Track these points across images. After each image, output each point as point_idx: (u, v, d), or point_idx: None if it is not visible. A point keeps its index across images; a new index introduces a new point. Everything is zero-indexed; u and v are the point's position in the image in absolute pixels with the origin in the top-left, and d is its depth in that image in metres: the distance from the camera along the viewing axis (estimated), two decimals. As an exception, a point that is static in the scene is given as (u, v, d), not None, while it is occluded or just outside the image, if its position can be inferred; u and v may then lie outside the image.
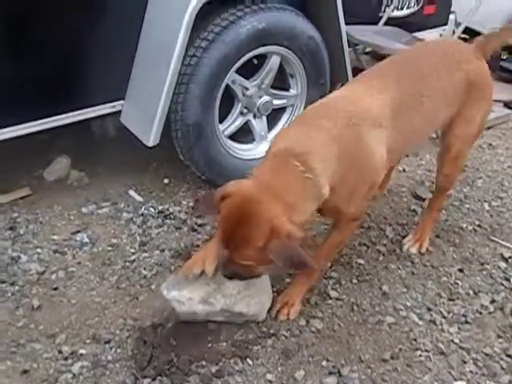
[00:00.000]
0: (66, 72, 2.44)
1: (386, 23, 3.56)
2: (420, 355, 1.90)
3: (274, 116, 2.95)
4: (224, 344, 1.91)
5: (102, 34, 2.40)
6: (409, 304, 2.13)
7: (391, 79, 1.94)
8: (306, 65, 2.82)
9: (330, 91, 2.70)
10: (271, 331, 1.98)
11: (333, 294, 2.17)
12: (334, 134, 1.75)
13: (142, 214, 2.63)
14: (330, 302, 2.14)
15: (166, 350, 1.88)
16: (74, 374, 1.81)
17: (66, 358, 1.87)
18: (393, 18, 3.61)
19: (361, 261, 2.36)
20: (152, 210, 2.66)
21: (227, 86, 2.62)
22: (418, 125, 2.00)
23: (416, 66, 2.03)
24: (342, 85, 3.35)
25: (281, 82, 2.91)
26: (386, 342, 1.95)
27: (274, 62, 2.74)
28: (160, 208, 2.67)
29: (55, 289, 2.19)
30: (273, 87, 2.85)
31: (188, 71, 2.43)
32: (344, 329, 2.01)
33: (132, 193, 2.82)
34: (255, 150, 2.94)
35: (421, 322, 2.05)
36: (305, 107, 2.96)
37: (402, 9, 3.69)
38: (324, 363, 1.85)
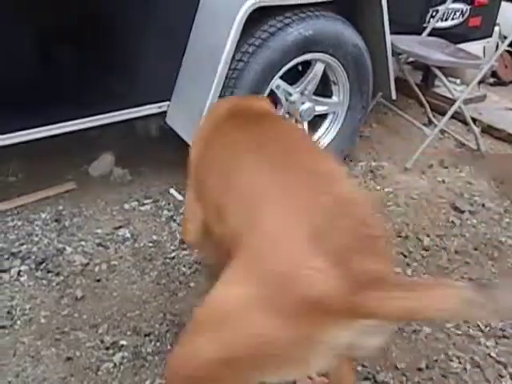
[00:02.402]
0: (117, 72, 2.53)
1: (430, 34, 3.55)
2: (456, 367, 1.90)
3: (315, 122, 2.98)
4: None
5: (152, 36, 2.48)
6: (445, 315, 2.13)
7: None
8: (350, 73, 2.84)
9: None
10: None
11: (369, 300, 2.18)
12: None
13: (182, 213, 2.70)
14: (365, 308, 2.15)
15: (204, 345, 1.92)
16: (115, 364, 1.88)
17: (107, 348, 1.94)
18: (437, 28, 3.59)
19: (397, 269, 2.36)
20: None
21: (271, 91, 2.66)
22: None
23: None
24: (383, 94, 3.39)
25: (324, 88, 2.93)
26: (421, 352, 1.96)
27: (318, 69, 2.77)
28: (200, 208, 2.72)
29: (98, 281, 2.26)
30: (315, 94, 2.88)
31: (234, 75, 2.49)
32: (379, 336, 2.02)
33: (173, 191, 2.89)
34: (294, 155, 2.96)
35: (458, 334, 2.04)
36: (346, 115, 2.99)
37: (446, 20, 3.67)
38: (359, 368, 1.87)
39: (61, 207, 2.72)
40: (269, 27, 2.49)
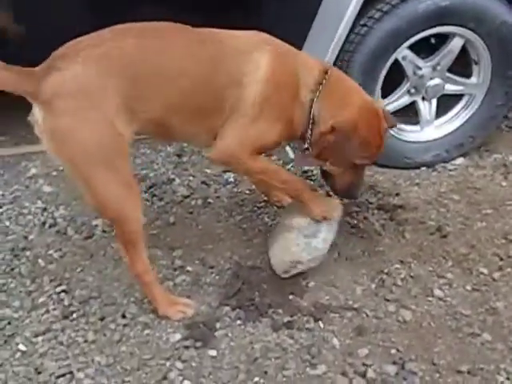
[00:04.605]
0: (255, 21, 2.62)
1: None
2: (501, 381, 1.73)
3: (446, 102, 2.79)
4: (305, 302, 2.00)
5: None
6: (516, 328, 1.93)
7: None
8: (494, 53, 2.58)
9: None
10: (355, 306, 2.00)
11: (437, 292, 2.07)
12: None
13: (289, 170, 2.79)
14: (430, 299, 2.05)
15: (253, 289, 2.05)
16: (175, 284, 2.10)
17: (174, 269, 2.17)
18: None
19: (484, 270, 2.17)
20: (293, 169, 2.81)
21: (396, 61, 2.56)
22: None
23: None
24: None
25: (462, 67, 2.72)
26: (470, 356, 1.82)
27: (455, 45, 2.57)
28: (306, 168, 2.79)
29: (190, 213, 2.50)
30: (451, 71, 2.69)
31: (356, 40, 2.45)
32: (432, 328, 1.92)
33: (288, 149, 2.98)
34: (418, 133, 2.83)
35: (519, 350, 1.85)
36: (483, 99, 2.74)
37: None
38: (393, 351, 1.82)
39: (185, 144, 3.00)
40: (401, -7, 2.38)
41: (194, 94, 1.76)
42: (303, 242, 2.02)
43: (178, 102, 1.76)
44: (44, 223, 2.40)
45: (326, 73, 1.91)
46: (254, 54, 1.80)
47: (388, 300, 2.03)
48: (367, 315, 1.96)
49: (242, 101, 1.80)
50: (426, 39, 2.55)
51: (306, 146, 1.98)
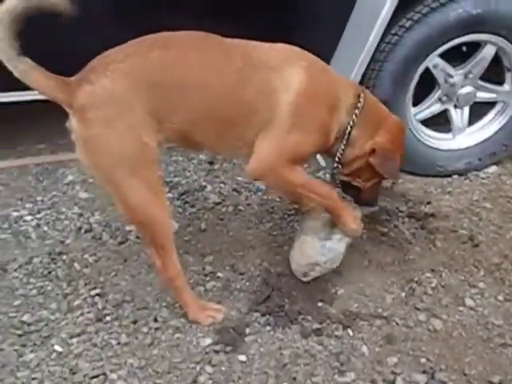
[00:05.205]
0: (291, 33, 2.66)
1: None
2: (534, 393, 1.70)
3: (479, 110, 2.77)
4: (335, 310, 2.01)
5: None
6: (549, 341, 1.89)
7: None
8: (527, 60, 2.56)
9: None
10: (384, 314, 1.99)
11: (468, 302, 2.05)
12: None
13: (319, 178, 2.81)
14: (461, 308, 2.03)
15: (283, 296, 2.06)
16: (207, 289, 2.14)
17: (205, 275, 2.21)
18: None
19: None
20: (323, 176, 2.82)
21: (427, 70, 2.55)
22: None
23: None
24: None
25: (496, 74, 2.69)
26: (501, 367, 1.79)
27: (487, 52, 2.55)
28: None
29: (221, 219, 2.54)
30: (484, 79, 2.66)
31: (386, 49, 2.46)
32: (463, 338, 1.90)
33: (318, 157, 2.99)
34: (450, 141, 2.81)
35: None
36: (518, 106, 2.71)
37: None
38: (422, 360, 1.81)
39: (216, 152, 3.05)
40: (431, 1, 2.38)
41: (218, 105, 1.79)
42: (318, 244, 2.05)
43: (202, 114, 1.79)
44: (80, 228, 2.47)
45: (359, 94, 1.97)
46: (288, 69, 1.83)
47: (418, 309, 2.02)
48: (397, 324, 1.96)
49: (276, 114, 1.82)
50: (458, 47, 2.54)
51: (336, 165, 2.06)
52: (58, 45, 2.16)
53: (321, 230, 2.08)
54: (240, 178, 2.85)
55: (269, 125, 1.84)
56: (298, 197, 2.25)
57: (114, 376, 1.76)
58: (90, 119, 1.65)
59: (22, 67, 1.57)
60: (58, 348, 1.87)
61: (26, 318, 1.97)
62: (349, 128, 1.95)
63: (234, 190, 2.76)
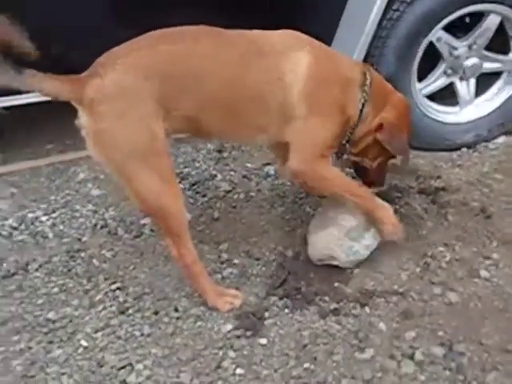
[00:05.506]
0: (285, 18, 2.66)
1: None
2: (553, 359, 1.72)
3: (484, 80, 2.75)
4: (351, 289, 2.04)
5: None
6: None
7: None
8: (532, 27, 2.53)
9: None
10: (400, 290, 2.02)
11: (483, 273, 2.07)
12: None
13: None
14: (476, 280, 2.05)
15: (299, 279, 2.10)
16: (224, 277, 2.17)
17: (222, 263, 2.24)
18: None
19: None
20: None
21: (431, 44, 2.54)
22: None
23: None
24: None
25: (501, 44, 2.67)
26: (518, 336, 1.82)
27: (491, 22, 2.53)
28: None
29: (234, 207, 2.57)
30: (488, 49, 2.64)
31: (388, 25, 2.44)
32: (479, 309, 1.93)
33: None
34: (458, 115, 2.80)
35: None
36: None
37: None
38: (440, 333, 1.83)
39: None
40: (431, -26, 2.36)
41: (224, 92, 1.83)
42: (346, 243, 2.05)
43: (209, 100, 1.83)
44: (95, 225, 2.52)
45: (365, 72, 1.99)
46: (294, 53, 1.85)
47: (434, 283, 2.04)
48: (413, 299, 1.98)
49: (288, 100, 1.86)
50: (461, 18, 2.52)
51: (344, 143, 2.07)
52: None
53: (353, 228, 2.06)
54: (249, 165, 2.87)
55: (287, 115, 1.87)
56: (335, 199, 2.12)
57: (140, 366, 1.80)
58: (100, 113, 1.69)
59: (28, 81, 1.61)
60: (83, 343, 1.91)
61: (50, 315, 2.02)
62: (360, 105, 1.98)
63: (244, 176, 2.78)
